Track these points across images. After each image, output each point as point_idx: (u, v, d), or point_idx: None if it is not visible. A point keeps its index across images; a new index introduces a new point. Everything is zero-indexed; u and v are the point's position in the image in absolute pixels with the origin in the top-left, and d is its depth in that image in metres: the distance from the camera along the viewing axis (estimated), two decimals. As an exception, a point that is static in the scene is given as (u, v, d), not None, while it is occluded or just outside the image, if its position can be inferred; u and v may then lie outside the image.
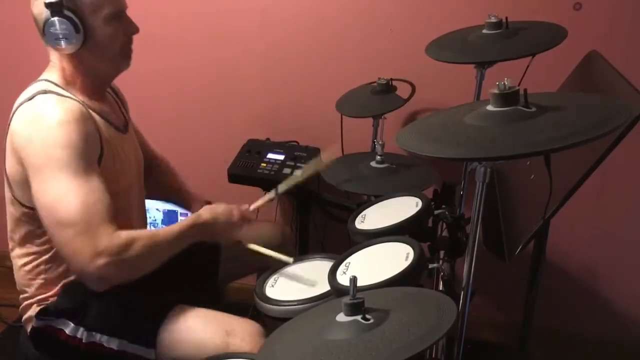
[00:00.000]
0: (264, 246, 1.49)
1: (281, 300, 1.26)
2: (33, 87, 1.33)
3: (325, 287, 1.18)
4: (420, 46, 1.52)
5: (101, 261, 1.20)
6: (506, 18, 1.41)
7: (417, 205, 1.31)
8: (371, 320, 0.84)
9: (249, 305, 1.42)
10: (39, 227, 1.32)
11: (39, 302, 1.40)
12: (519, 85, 0.95)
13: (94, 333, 1.35)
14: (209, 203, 1.56)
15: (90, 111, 1.33)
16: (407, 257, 1.11)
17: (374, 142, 1.85)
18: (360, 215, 1.39)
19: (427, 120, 1.10)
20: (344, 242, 1.47)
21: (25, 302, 1.42)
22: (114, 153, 1.37)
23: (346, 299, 0.86)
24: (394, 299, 0.94)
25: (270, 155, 2.02)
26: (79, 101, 1.31)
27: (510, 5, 1.63)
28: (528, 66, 1.42)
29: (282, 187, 1.56)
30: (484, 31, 1.44)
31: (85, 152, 1.25)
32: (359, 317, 0.84)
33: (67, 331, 1.36)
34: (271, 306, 1.25)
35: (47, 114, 1.25)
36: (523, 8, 1.82)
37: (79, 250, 1.21)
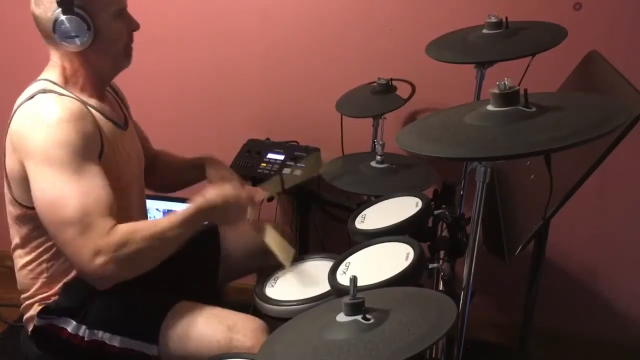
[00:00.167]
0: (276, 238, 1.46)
1: (281, 300, 1.26)
2: (33, 86, 1.33)
3: (325, 287, 1.18)
4: (420, 46, 1.52)
5: (100, 260, 1.19)
6: (506, 18, 1.41)
7: (417, 205, 1.31)
8: (371, 320, 0.84)
9: (249, 305, 1.42)
10: (39, 226, 1.32)
11: (40, 301, 1.40)
12: (519, 85, 0.95)
13: (95, 331, 1.35)
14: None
15: (90, 109, 1.33)
16: (407, 257, 1.11)
17: (374, 142, 1.85)
18: (360, 215, 1.39)
19: (427, 120, 1.10)
20: (344, 242, 1.47)
21: (27, 302, 1.42)
22: (115, 150, 1.37)
23: (346, 299, 0.86)
24: (394, 299, 0.94)
25: (270, 155, 2.02)
26: (78, 99, 1.31)
27: (510, 5, 1.63)
28: (528, 66, 1.42)
29: (287, 184, 1.55)
30: (484, 31, 1.44)
31: (84, 150, 1.25)
32: (359, 317, 0.84)
33: (69, 329, 1.36)
34: (271, 306, 1.25)
35: (47, 112, 1.25)
36: (523, 8, 1.82)
37: (78, 250, 1.21)
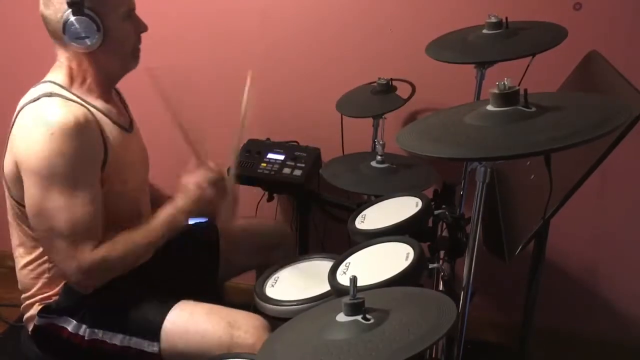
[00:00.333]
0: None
1: (281, 300, 1.26)
2: (38, 88, 1.33)
3: (325, 287, 1.18)
4: (420, 46, 1.52)
5: (81, 276, 1.27)
6: (506, 18, 1.41)
7: (417, 205, 1.31)
8: (371, 320, 0.84)
9: (249, 305, 1.42)
10: (36, 227, 1.33)
11: (40, 300, 1.40)
12: (519, 85, 0.95)
13: (96, 330, 1.35)
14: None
15: (96, 112, 1.34)
16: (407, 257, 1.11)
17: (375, 142, 1.85)
18: (360, 215, 1.39)
19: (427, 120, 1.10)
20: (344, 242, 1.47)
21: (27, 302, 1.42)
22: (120, 154, 1.37)
23: (346, 299, 0.86)
24: (394, 299, 0.94)
25: (270, 155, 2.02)
26: (83, 104, 1.31)
27: (510, 5, 1.63)
28: (528, 66, 1.42)
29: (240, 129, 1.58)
30: (484, 31, 1.44)
31: (82, 162, 1.27)
32: (359, 317, 0.84)
33: (70, 329, 1.36)
34: (271, 306, 1.25)
35: (50, 118, 1.25)
36: (523, 8, 1.82)
37: (63, 261, 1.28)
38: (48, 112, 1.26)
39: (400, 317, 0.85)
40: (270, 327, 1.34)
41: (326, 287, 1.17)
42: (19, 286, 1.44)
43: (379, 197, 1.45)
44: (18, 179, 1.28)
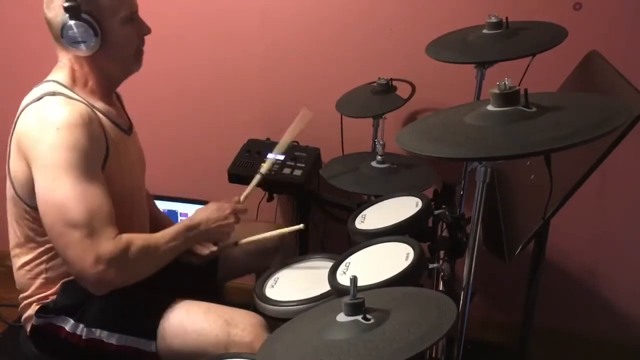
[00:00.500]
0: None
1: (281, 300, 1.26)
2: (41, 87, 1.33)
3: (325, 287, 1.18)
4: (420, 46, 1.52)
5: (102, 266, 1.22)
6: (506, 18, 1.41)
7: (417, 205, 1.31)
8: (371, 320, 0.84)
9: (248, 306, 1.42)
10: (40, 226, 1.32)
11: (38, 300, 1.40)
12: (519, 85, 0.95)
13: (93, 329, 1.35)
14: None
15: (97, 112, 1.34)
16: (407, 257, 1.11)
17: (375, 142, 1.85)
18: (360, 215, 1.39)
19: (427, 120, 1.10)
20: (344, 242, 1.47)
21: (25, 302, 1.42)
22: (119, 155, 1.37)
23: (346, 299, 0.86)
24: (394, 299, 0.94)
25: (270, 156, 2.02)
26: (86, 103, 1.32)
27: (510, 5, 1.63)
28: (528, 66, 1.42)
29: (264, 168, 1.62)
30: (484, 31, 1.44)
31: (91, 156, 1.26)
32: (359, 317, 0.84)
33: (67, 328, 1.36)
34: (271, 306, 1.25)
35: (55, 115, 1.25)
36: (523, 8, 1.82)
37: (82, 253, 1.22)
38: (52, 111, 1.27)
39: (400, 317, 0.85)
40: (267, 325, 1.34)
41: (326, 287, 1.17)
42: (17, 286, 1.44)
43: (379, 197, 1.45)
44: (27, 179, 1.28)
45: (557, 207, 1.19)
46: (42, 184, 1.25)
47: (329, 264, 1.24)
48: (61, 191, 1.23)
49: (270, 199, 2.08)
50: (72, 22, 1.27)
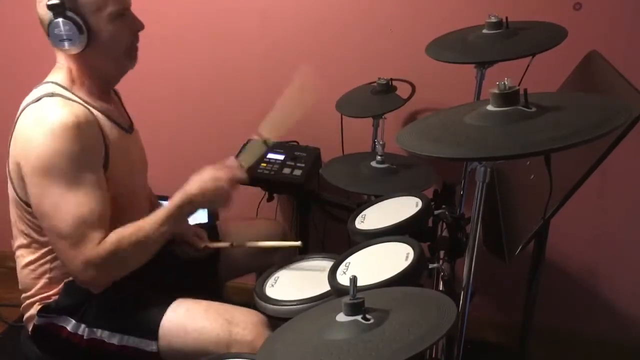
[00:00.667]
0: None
1: (281, 300, 1.26)
2: (40, 88, 1.33)
3: (325, 287, 1.18)
4: (420, 46, 1.52)
5: (91, 270, 1.26)
6: (506, 18, 1.41)
7: (417, 205, 1.31)
8: (371, 320, 0.84)
9: (249, 305, 1.42)
10: (42, 226, 1.33)
11: (40, 300, 1.40)
12: (519, 85, 0.95)
13: (95, 329, 1.35)
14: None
15: (97, 113, 1.33)
16: (407, 257, 1.11)
17: (375, 142, 1.85)
18: (360, 215, 1.39)
19: (427, 120, 1.10)
20: (344, 242, 1.47)
21: (27, 301, 1.42)
22: (120, 155, 1.37)
23: (346, 299, 0.86)
24: (394, 299, 0.94)
25: (270, 155, 2.02)
26: (84, 104, 1.31)
27: (510, 5, 1.63)
28: (528, 66, 1.42)
29: (266, 134, 1.55)
30: (484, 31, 1.44)
31: (84, 160, 1.26)
32: (359, 317, 0.84)
33: (69, 328, 1.36)
34: (271, 306, 1.25)
35: (51, 118, 1.25)
36: (523, 8, 1.82)
37: (70, 260, 1.27)
38: (49, 112, 1.26)
39: (400, 317, 0.85)
40: (268, 323, 1.34)
41: (326, 287, 1.17)
42: (20, 286, 1.44)
43: (379, 197, 1.45)
44: (22, 178, 1.28)
45: (557, 207, 1.19)
46: (33, 190, 1.27)
47: (329, 264, 1.24)
48: (49, 200, 1.25)
49: (270, 199, 2.09)
50: (57, 20, 1.26)
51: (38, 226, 1.34)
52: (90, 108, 1.32)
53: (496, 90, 0.95)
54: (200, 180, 1.36)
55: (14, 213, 1.39)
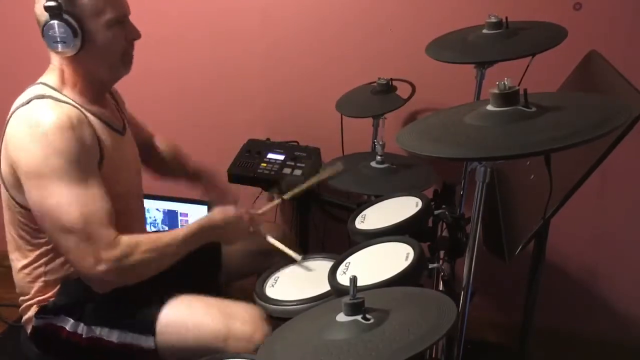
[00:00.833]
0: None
1: (281, 300, 1.26)
2: (30, 90, 1.32)
3: (325, 287, 1.18)
4: (420, 46, 1.52)
5: (102, 267, 1.23)
6: (506, 18, 1.41)
7: (417, 205, 1.31)
8: (371, 320, 0.84)
9: (248, 305, 1.42)
10: (36, 229, 1.33)
11: (38, 303, 1.40)
12: (519, 85, 0.95)
13: (93, 327, 1.35)
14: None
15: (88, 115, 1.32)
16: (407, 257, 1.11)
17: (374, 142, 1.85)
18: (360, 215, 1.39)
19: (427, 120, 1.10)
20: (344, 242, 1.47)
21: (25, 304, 1.42)
22: (113, 156, 1.36)
23: (346, 299, 0.86)
24: (394, 299, 0.94)
25: (270, 155, 2.02)
26: (75, 105, 1.30)
27: (510, 5, 1.63)
28: (528, 66, 1.42)
29: (288, 195, 1.60)
30: (484, 31, 1.44)
31: (82, 159, 1.25)
32: (359, 317, 0.84)
33: (68, 328, 1.36)
34: (271, 306, 1.25)
35: (43, 119, 1.24)
36: (523, 8, 1.82)
37: (81, 257, 1.24)
38: (40, 114, 1.25)
39: (400, 317, 0.85)
40: (267, 318, 1.33)
41: (326, 287, 1.17)
42: (17, 290, 1.44)
43: (379, 197, 1.45)
44: (17, 181, 1.27)
45: (557, 207, 1.19)
46: (35, 191, 1.24)
47: (329, 264, 1.24)
48: (54, 199, 1.23)
49: (270, 199, 2.08)
50: (53, 22, 1.26)
51: (32, 229, 1.34)
52: (81, 109, 1.31)
53: (496, 90, 0.95)
54: (224, 212, 1.42)
55: (6, 216, 1.38)
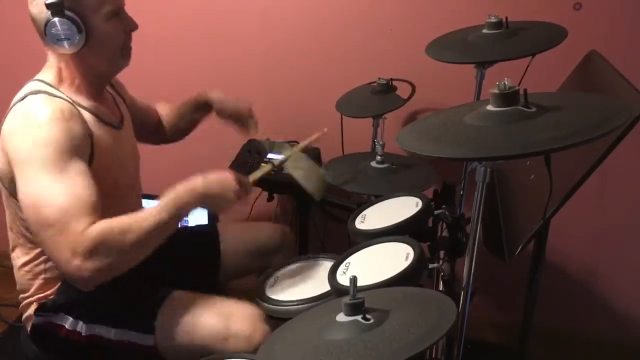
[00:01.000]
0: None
1: (281, 300, 1.26)
2: (26, 87, 1.33)
3: (325, 287, 1.18)
4: (420, 46, 1.52)
5: (77, 260, 1.15)
6: (506, 18, 1.42)
7: (417, 205, 1.31)
8: (371, 320, 0.84)
9: (248, 305, 1.42)
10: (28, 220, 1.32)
11: (38, 300, 1.40)
12: (519, 85, 0.95)
13: (92, 325, 1.35)
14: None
15: (83, 110, 1.32)
16: (407, 257, 1.11)
17: (374, 142, 1.85)
18: (360, 215, 1.39)
19: (427, 120, 1.10)
20: (344, 242, 1.47)
21: (25, 301, 1.42)
22: (108, 154, 1.35)
23: (346, 299, 0.86)
24: (394, 299, 0.94)
25: (270, 155, 2.02)
26: (70, 101, 1.30)
27: (510, 5, 1.63)
28: (528, 66, 1.42)
29: (278, 161, 1.54)
30: (484, 31, 1.44)
31: (69, 149, 1.23)
32: (359, 317, 0.84)
33: (67, 326, 1.36)
34: (271, 306, 1.25)
35: (35, 112, 1.24)
36: (523, 8, 1.82)
37: (55, 251, 1.18)
38: (33, 108, 1.25)
39: (400, 317, 0.85)
40: (266, 317, 1.32)
41: (326, 287, 1.17)
42: (17, 287, 1.44)
43: (379, 197, 1.45)
44: (12, 178, 1.27)
45: (557, 207, 1.19)
46: (20, 185, 1.22)
47: (329, 264, 1.24)
48: (34, 191, 1.20)
49: (270, 199, 2.09)
50: (55, 19, 1.25)
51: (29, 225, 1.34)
52: (76, 105, 1.31)
53: (496, 90, 0.95)
54: (204, 176, 1.30)
55: (7, 214, 1.38)
